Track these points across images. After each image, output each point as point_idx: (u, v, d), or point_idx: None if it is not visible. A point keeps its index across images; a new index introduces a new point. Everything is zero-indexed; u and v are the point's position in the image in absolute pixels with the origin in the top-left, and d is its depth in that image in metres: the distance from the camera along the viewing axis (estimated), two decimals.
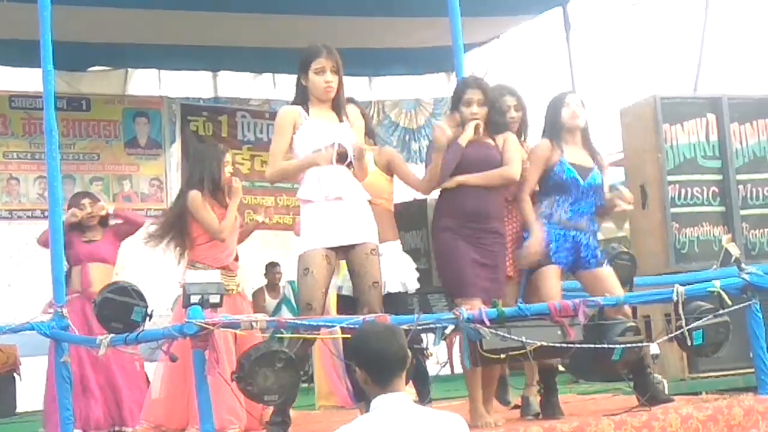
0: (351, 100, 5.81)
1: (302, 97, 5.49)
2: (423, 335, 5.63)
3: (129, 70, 12.29)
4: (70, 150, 11.22)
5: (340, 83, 5.49)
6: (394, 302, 5.63)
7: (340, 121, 5.48)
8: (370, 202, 5.52)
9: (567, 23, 11.60)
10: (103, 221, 7.85)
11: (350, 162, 5.39)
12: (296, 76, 5.54)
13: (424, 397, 5.82)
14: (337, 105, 5.51)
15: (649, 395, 5.84)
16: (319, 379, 8.00)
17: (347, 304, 5.76)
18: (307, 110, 5.44)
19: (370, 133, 6.07)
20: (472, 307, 5.33)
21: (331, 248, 5.29)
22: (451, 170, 5.70)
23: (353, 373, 5.33)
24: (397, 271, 5.76)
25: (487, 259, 5.65)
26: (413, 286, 5.85)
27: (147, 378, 8.62)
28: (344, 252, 5.36)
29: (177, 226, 6.73)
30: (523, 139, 6.17)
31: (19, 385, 9.74)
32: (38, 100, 8.50)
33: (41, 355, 7.87)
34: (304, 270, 5.24)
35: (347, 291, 5.80)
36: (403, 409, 3.43)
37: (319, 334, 5.14)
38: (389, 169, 6.00)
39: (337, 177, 5.35)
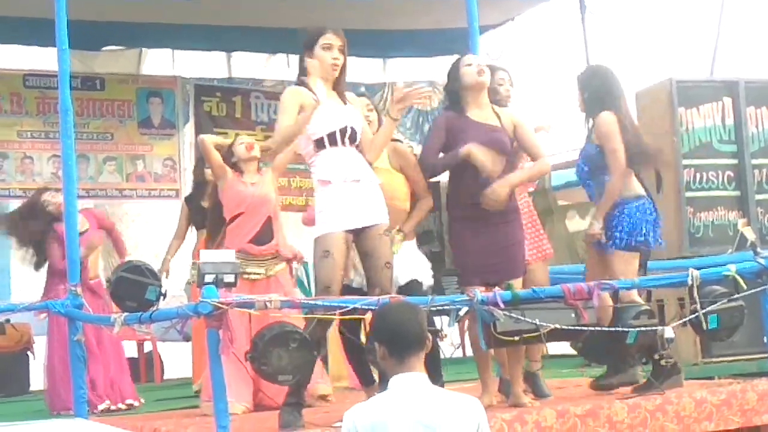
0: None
1: (306, 75, 5.45)
2: (436, 318, 5.62)
3: (143, 50, 12.27)
4: (84, 129, 11.21)
5: (344, 66, 5.47)
6: (407, 290, 5.63)
7: (344, 103, 5.47)
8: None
9: (582, 5, 11.54)
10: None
11: (359, 144, 5.40)
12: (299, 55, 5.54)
13: (436, 379, 5.78)
14: (339, 88, 5.50)
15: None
16: (332, 360, 8.00)
17: None
18: (312, 91, 5.40)
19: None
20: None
21: (349, 231, 5.29)
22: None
23: (367, 355, 5.39)
24: (411, 267, 5.75)
25: (500, 242, 5.63)
26: (427, 279, 5.84)
27: (160, 359, 8.70)
28: (356, 233, 5.36)
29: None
30: None
31: (32, 364, 9.78)
32: (53, 79, 8.49)
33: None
34: (324, 252, 5.24)
35: (357, 284, 5.75)
36: (420, 390, 3.44)
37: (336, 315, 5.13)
38: (401, 169, 5.91)
39: (353, 159, 5.36)
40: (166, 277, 7.73)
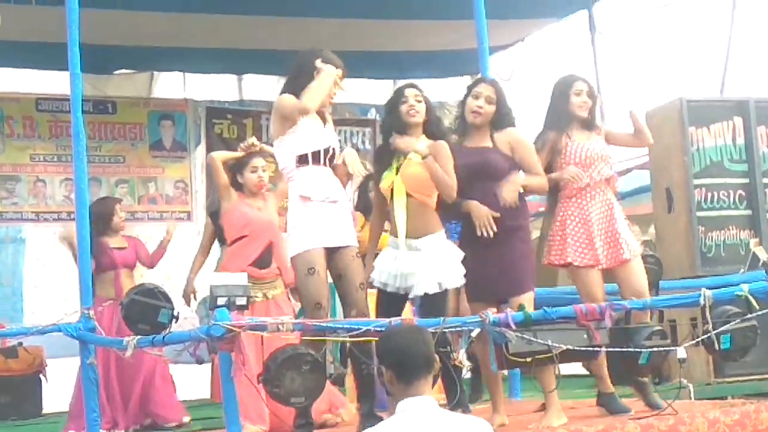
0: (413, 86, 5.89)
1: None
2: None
3: (154, 73, 12.34)
4: (96, 153, 11.26)
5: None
6: (428, 302, 5.52)
7: (324, 124, 5.60)
8: (409, 195, 5.55)
9: (592, 26, 11.56)
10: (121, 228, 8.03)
11: (335, 164, 5.54)
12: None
13: (452, 400, 5.71)
14: (321, 109, 5.62)
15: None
16: (349, 381, 7.98)
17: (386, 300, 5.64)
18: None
19: (434, 127, 5.83)
20: (473, 312, 5.46)
21: (327, 248, 5.38)
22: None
23: (358, 370, 5.39)
24: (436, 268, 5.55)
25: (496, 262, 5.65)
26: (453, 282, 5.64)
27: (172, 380, 8.68)
28: (330, 253, 5.42)
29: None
30: None
31: (45, 387, 9.78)
32: (65, 103, 8.54)
33: (67, 357, 7.95)
34: (309, 269, 5.30)
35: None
36: (429, 413, 3.42)
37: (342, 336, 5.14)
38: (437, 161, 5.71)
39: (330, 179, 5.50)
40: (194, 299, 7.68)
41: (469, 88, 6.02)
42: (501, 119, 5.87)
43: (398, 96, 5.81)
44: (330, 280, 5.55)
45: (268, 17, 10.58)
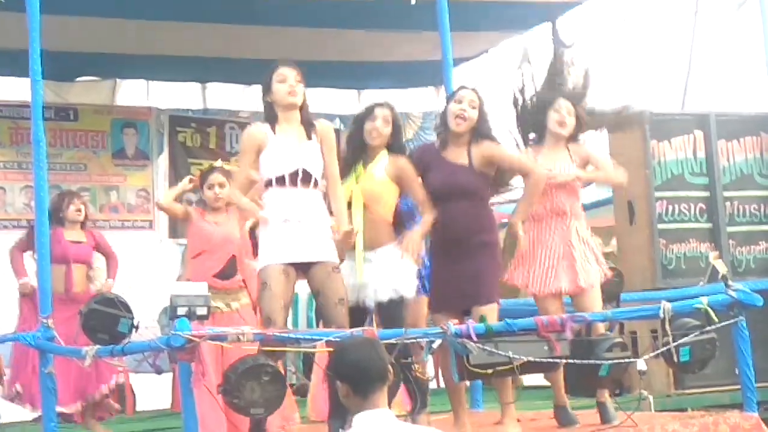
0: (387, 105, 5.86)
1: (269, 115, 5.49)
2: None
3: (117, 80, 12.26)
4: (58, 160, 11.17)
5: (305, 97, 5.52)
6: (386, 311, 5.55)
7: (309, 138, 5.48)
8: (365, 206, 5.57)
9: (556, 38, 11.61)
10: (84, 222, 7.96)
11: (315, 182, 5.41)
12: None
13: (416, 409, 5.70)
14: (306, 120, 5.52)
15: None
16: (312, 392, 7.96)
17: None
18: (274, 129, 5.44)
19: (397, 146, 5.87)
20: (436, 323, 5.49)
21: (290, 264, 5.30)
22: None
23: (334, 387, 5.34)
24: (390, 276, 5.59)
25: (460, 273, 5.68)
26: (410, 291, 5.67)
27: (132, 390, 8.63)
28: (304, 271, 5.37)
29: None
30: None
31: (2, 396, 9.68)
32: (26, 110, 8.49)
33: None
34: (262, 284, 5.26)
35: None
36: (385, 427, 3.41)
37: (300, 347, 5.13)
38: (398, 182, 5.79)
39: (301, 200, 5.37)
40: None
41: (451, 95, 6.04)
42: (482, 127, 5.89)
43: (367, 113, 5.84)
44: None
45: (232, 25, 10.55)
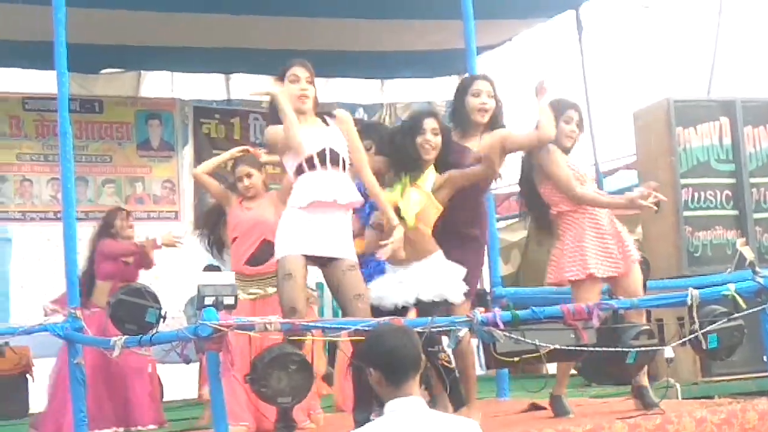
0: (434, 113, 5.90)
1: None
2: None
3: (142, 72, 12.32)
4: (83, 152, 11.24)
5: (315, 95, 5.51)
6: (426, 312, 5.46)
7: (327, 125, 5.48)
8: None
9: (579, 26, 11.57)
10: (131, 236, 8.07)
11: (344, 164, 5.39)
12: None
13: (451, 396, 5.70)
14: (320, 114, 5.52)
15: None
16: (337, 384, 7.98)
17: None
18: None
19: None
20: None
21: (308, 256, 5.28)
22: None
23: (359, 379, 5.34)
24: (437, 280, 5.56)
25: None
26: (456, 297, 5.59)
27: (159, 380, 8.67)
28: (319, 264, 5.36)
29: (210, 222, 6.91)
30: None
31: (32, 386, 9.76)
32: (52, 102, 8.50)
33: (54, 357, 7.94)
34: (286, 274, 5.22)
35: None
36: (418, 414, 3.43)
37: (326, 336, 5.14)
38: (450, 193, 5.70)
39: (331, 181, 5.33)
40: None
41: (465, 87, 6.00)
42: (498, 116, 5.90)
43: (416, 125, 5.73)
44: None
45: (255, 17, 10.57)
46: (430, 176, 5.69)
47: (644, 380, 6.01)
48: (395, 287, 5.55)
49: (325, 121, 5.52)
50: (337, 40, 11.15)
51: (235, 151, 6.97)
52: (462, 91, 6.02)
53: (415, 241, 5.55)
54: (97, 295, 7.84)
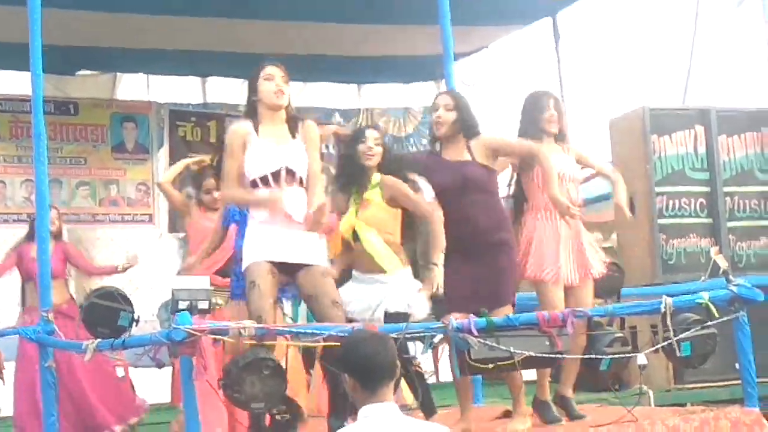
0: (376, 127, 5.94)
1: (251, 113, 5.45)
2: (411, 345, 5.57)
3: (117, 74, 12.25)
4: (57, 154, 11.17)
5: (289, 101, 5.49)
6: (391, 319, 5.48)
7: (293, 137, 5.43)
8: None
9: (556, 33, 11.61)
10: (56, 235, 7.98)
11: (301, 180, 5.35)
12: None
13: (427, 406, 5.70)
14: (291, 119, 5.47)
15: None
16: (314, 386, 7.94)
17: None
18: (256, 128, 5.39)
19: (385, 167, 5.90)
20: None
21: (276, 263, 5.21)
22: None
23: (334, 384, 5.33)
24: (403, 294, 5.60)
25: (481, 273, 5.65)
26: (420, 313, 5.58)
27: (131, 383, 8.63)
28: (291, 273, 5.29)
29: None
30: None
31: (2, 389, 9.67)
32: (26, 104, 8.48)
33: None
34: (250, 283, 5.15)
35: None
36: (391, 420, 3.43)
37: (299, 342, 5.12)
38: (395, 202, 5.80)
39: (286, 200, 5.27)
40: None
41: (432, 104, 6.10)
42: (469, 126, 5.88)
43: (359, 135, 5.94)
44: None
45: (232, 20, 10.53)
46: (375, 188, 5.78)
47: (568, 391, 5.99)
48: (361, 307, 5.54)
49: (291, 128, 5.47)
50: (314, 45, 11.13)
51: (190, 161, 7.01)
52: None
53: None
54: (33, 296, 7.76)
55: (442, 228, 5.74)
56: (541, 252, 5.91)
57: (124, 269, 8.20)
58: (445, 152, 5.90)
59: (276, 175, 5.30)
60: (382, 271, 5.61)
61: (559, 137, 6.15)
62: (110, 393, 7.92)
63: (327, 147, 12.60)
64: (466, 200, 5.71)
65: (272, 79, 5.41)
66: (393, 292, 5.57)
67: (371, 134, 5.90)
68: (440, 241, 5.74)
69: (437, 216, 5.76)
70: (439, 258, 5.75)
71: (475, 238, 5.67)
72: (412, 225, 5.91)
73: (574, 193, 6.07)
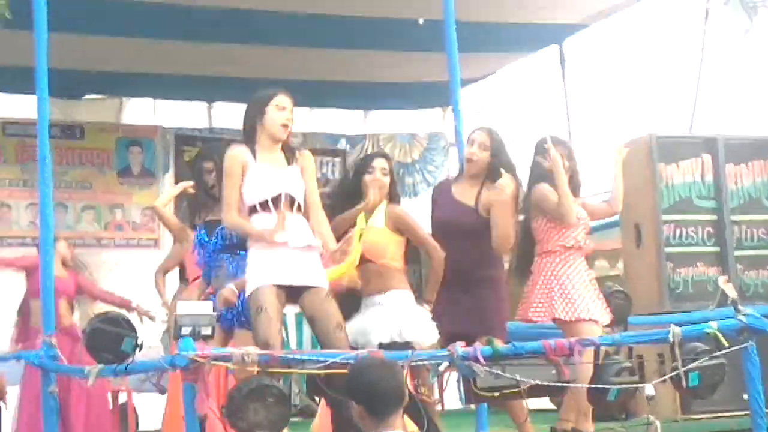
0: (383, 156, 5.97)
1: (250, 136, 5.40)
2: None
3: (123, 98, 12.27)
4: (63, 178, 11.17)
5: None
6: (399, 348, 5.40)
7: (289, 164, 5.41)
8: (370, 261, 5.56)
9: (563, 60, 11.62)
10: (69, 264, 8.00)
11: (299, 206, 5.33)
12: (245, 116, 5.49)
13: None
14: (287, 147, 5.45)
15: None
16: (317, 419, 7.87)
17: None
18: (254, 153, 5.35)
19: (393, 195, 5.92)
20: None
21: (281, 287, 5.17)
22: None
23: (339, 411, 5.27)
24: (396, 319, 5.57)
25: (466, 308, 5.78)
26: (417, 336, 5.56)
27: (135, 410, 8.57)
28: (293, 295, 5.25)
29: None
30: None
31: (4, 414, 9.62)
32: (32, 128, 8.46)
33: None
34: (257, 309, 5.10)
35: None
36: None
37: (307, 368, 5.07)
38: (399, 231, 5.80)
39: (289, 224, 5.25)
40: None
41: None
42: (495, 168, 5.91)
43: (366, 163, 5.89)
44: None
45: (238, 45, 10.56)
46: (379, 213, 5.77)
47: (588, 426, 5.93)
48: (355, 333, 5.50)
49: (287, 156, 5.44)
50: (320, 70, 11.15)
51: (188, 184, 6.98)
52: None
53: (379, 274, 5.59)
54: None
55: (442, 268, 5.76)
56: (581, 294, 5.93)
57: (137, 312, 8.15)
58: (456, 186, 5.99)
59: (276, 201, 5.28)
60: (379, 292, 5.59)
61: (572, 189, 6.16)
62: (98, 423, 7.85)
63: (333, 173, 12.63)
64: (455, 243, 5.80)
65: (284, 110, 5.38)
66: (384, 319, 5.53)
67: (379, 164, 5.87)
68: (437, 281, 5.79)
69: (441, 255, 5.78)
70: (432, 296, 5.79)
71: (458, 275, 5.77)
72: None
73: (586, 239, 6.10)
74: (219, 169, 5.88)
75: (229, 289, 5.59)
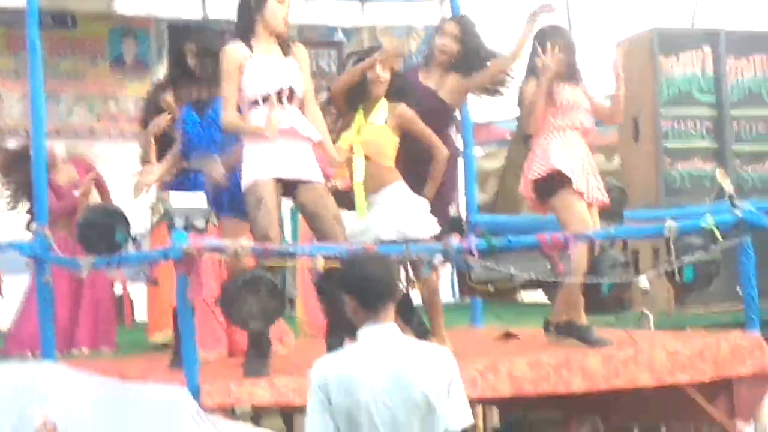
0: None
1: (246, 29, 5.30)
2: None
3: None
4: (55, 69, 11.02)
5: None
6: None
7: (286, 56, 5.33)
8: (368, 158, 5.55)
9: None
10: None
11: (299, 100, 5.29)
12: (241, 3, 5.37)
13: (415, 327, 5.67)
14: (282, 39, 5.36)
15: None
16: (299, 308, 7.89)
17: None
18: (250, 47, 5.27)
19: (394, 93, 5.85)
20: None
21: (278, 180, 5.16)
22: None
23: (331, 304, 5.27)
24: (394, 216, 5.55)
25: None
26: (417, 231, 5.54)
27: (131, 300, 8.61)
28: (289, 189, 5.23)
29: None
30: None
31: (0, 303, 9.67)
32: (22, 16, 8.32)
33: (21, 274, 7.82)
34: (257, 200, 5.07)
35: None
36: (392, 340, 3.40)
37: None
38: (400, 129, 5.78)
39: (287, 118, 5.21)
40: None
41: (437, 27, 6.06)
42: (466, 60, 5.93)
43: (369, 56, 5.83)
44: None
45: None
46: (381, 111, 5.74)
47: (582, 318, 5.86)
48: (354, 234, 5.47)
49: (283, 48, 5.35)
50: None
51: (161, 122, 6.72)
52: (435, 30, 6.05)
53: (373, 174, 5.59)
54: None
55: (445, 166, 5.80)
56: (569, 166, 5.82)
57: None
58: (426, 75, 6.02)
59: (279, 94, 5.22)
60: (374, 191, 5.60)
61: (572, 76, 6.03)
62: (96, 315, 7.83)
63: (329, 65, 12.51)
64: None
65: (283, 3, 5.28)
66: (383, 217, 5.52)
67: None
68: (437, 178, 5.83)
69: (444, 153, 5.81)
70: (432, 193, 5.79)
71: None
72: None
73: (587, 121, 5.99)
74: (201, 52, 5.80)
75: (219, 172, 5.49)
